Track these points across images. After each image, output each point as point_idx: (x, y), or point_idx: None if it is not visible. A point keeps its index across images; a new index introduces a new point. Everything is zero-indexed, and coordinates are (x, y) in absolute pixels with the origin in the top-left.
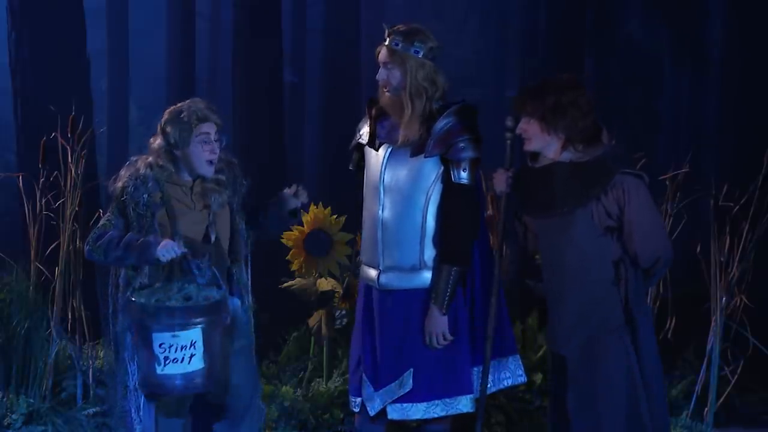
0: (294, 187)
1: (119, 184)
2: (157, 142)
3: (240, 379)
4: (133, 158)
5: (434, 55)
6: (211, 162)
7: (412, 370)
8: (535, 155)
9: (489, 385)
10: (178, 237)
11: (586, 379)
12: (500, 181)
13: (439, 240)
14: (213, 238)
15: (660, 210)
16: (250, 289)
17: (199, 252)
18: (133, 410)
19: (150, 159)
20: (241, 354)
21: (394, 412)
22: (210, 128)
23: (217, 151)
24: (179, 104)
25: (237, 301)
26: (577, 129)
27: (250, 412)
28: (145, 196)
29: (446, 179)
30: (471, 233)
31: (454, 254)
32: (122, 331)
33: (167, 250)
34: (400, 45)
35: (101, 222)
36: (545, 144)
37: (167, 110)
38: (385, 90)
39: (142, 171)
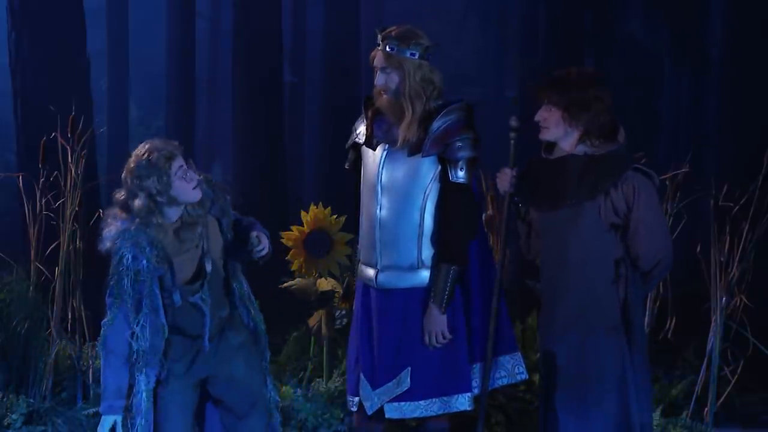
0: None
1: (108, 245)
2: (136, 203)
3: (240, 373)
4: (110, 215)
5: (429, 54)
6: (195, 187)
7: (409, 368)
8: (550, 147)
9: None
10: (175, 289)
11: (577, 375)
12: (504, 180)
13: (437, 239)
14: (209, 269)
15: (660, 208)
16: (252, 297)
17: (197, 288)
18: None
19: (137, 220)
20: (241, 349)
21: (392, 411)
22: (180, 161)
23: (195, 175)
24: (135, 157)
25: (241, 312)
26: (598, 123)
27: (257, 409)
28: (144, 262)
29: (443, 178)
30: (469, 232)
31: (453, 253)
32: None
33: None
34: (395, 49)
35: (108, 313)
36: (563, 134)
37: (128, 170)
38: (382, 93)
39: (135, 238)
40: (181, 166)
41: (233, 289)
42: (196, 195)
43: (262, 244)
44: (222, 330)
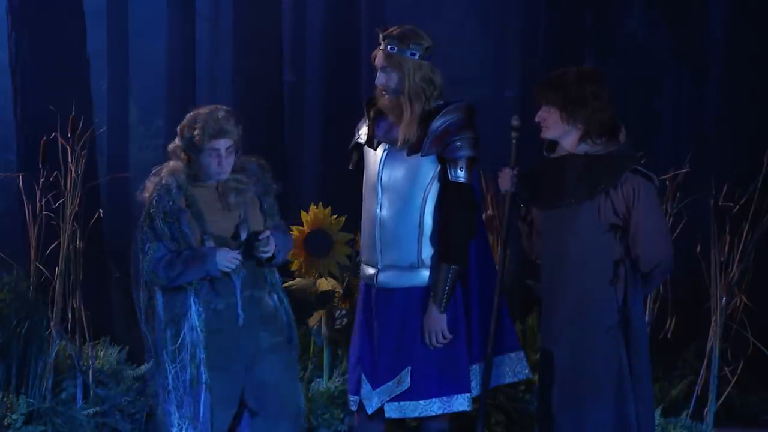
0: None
1: (146, 195)
2: (175, 142)
3: (274, 377)
4: (156, 167)
5: (430, 54)
6: (219, 173)
7: (409, 368)
8: (552, 146)
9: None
10: (208, 236)
11: (573, 375)
12: (505, 179)
13: (437, 239)
14: (243, 237)
15: (661, 210)
16: (283, 291)
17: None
18: (173, 410)
19: (172, 164)
20: (275, 351)
21: (392, 411)
22: (221, 144)
23: (226, 165)
24: (201, 110)
25: (275, 298)
26: (597, 121)
27: (289, 411)
28: (170, 203)
29: (443, 178)
30: (468, 232)
31: (452, 253)
32: (162, 329)
33: (229, 261)
34: (396, 49)
35: (145, 248)
36: (563, 133)
37: (190, 113)
38: (383, 93)
39: (165, 180)
40: (217, 149)
41: (265, 274)
42: (217, 177)
43: (269, 246)
44: (256, 329)
